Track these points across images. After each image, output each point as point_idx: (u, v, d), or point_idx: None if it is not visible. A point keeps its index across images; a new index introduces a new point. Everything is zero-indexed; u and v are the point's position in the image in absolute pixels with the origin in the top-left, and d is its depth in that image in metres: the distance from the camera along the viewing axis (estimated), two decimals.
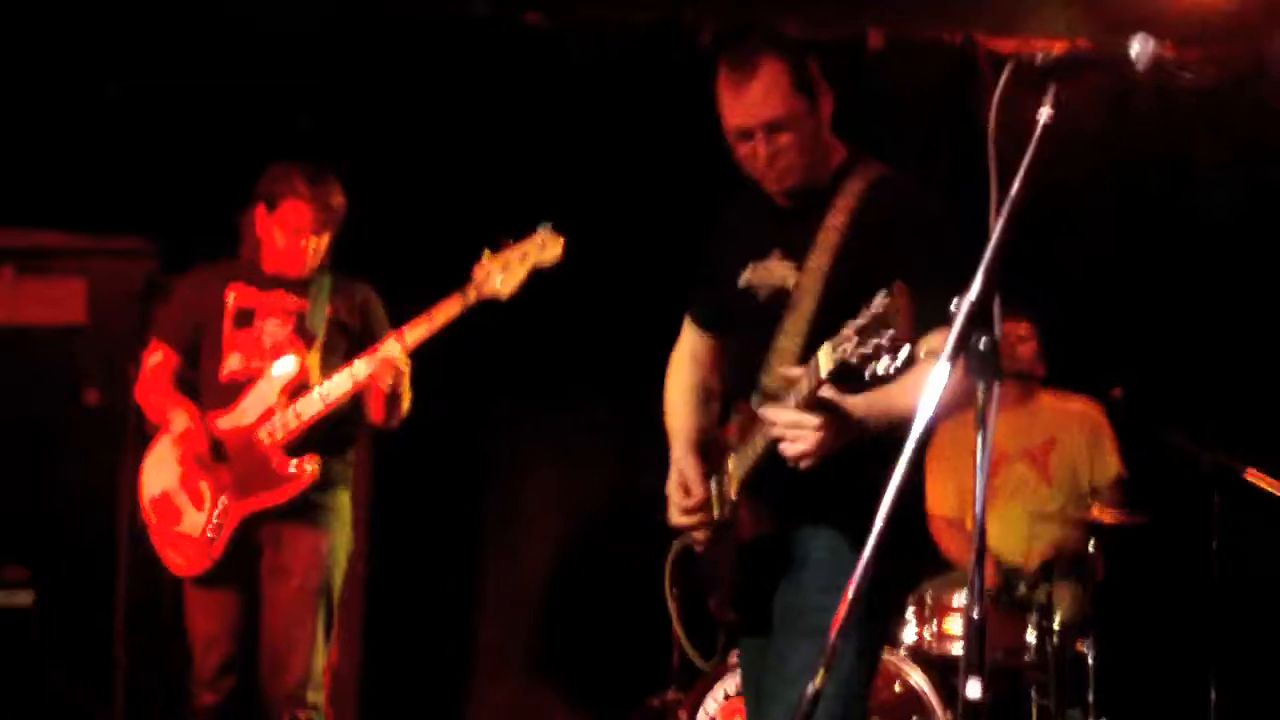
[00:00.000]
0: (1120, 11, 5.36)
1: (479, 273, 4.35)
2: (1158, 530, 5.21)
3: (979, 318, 2.35)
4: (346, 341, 4.55)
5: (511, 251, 4.35)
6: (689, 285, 3.58)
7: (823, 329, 2.83)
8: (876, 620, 3.20)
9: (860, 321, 2.59)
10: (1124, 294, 6.11)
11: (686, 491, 3.27)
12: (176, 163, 5.70)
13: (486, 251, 4.35)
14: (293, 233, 4.48)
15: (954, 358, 2.35)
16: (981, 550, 2.38)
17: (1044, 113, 2.44)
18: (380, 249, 5.25)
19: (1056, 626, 4.93)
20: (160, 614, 4.55)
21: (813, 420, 2.77)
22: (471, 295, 4.35)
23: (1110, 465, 5.47)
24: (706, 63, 6.17)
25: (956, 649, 4.92)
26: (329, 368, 4.46)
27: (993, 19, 6.01)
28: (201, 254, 4.74)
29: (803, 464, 2.85)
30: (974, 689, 2.33)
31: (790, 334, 3.10)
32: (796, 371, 2.85)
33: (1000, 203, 2.38)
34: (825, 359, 2.71)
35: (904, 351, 2.56)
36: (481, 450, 6.22)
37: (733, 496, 3.16)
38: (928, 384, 2.84)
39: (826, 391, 2.82)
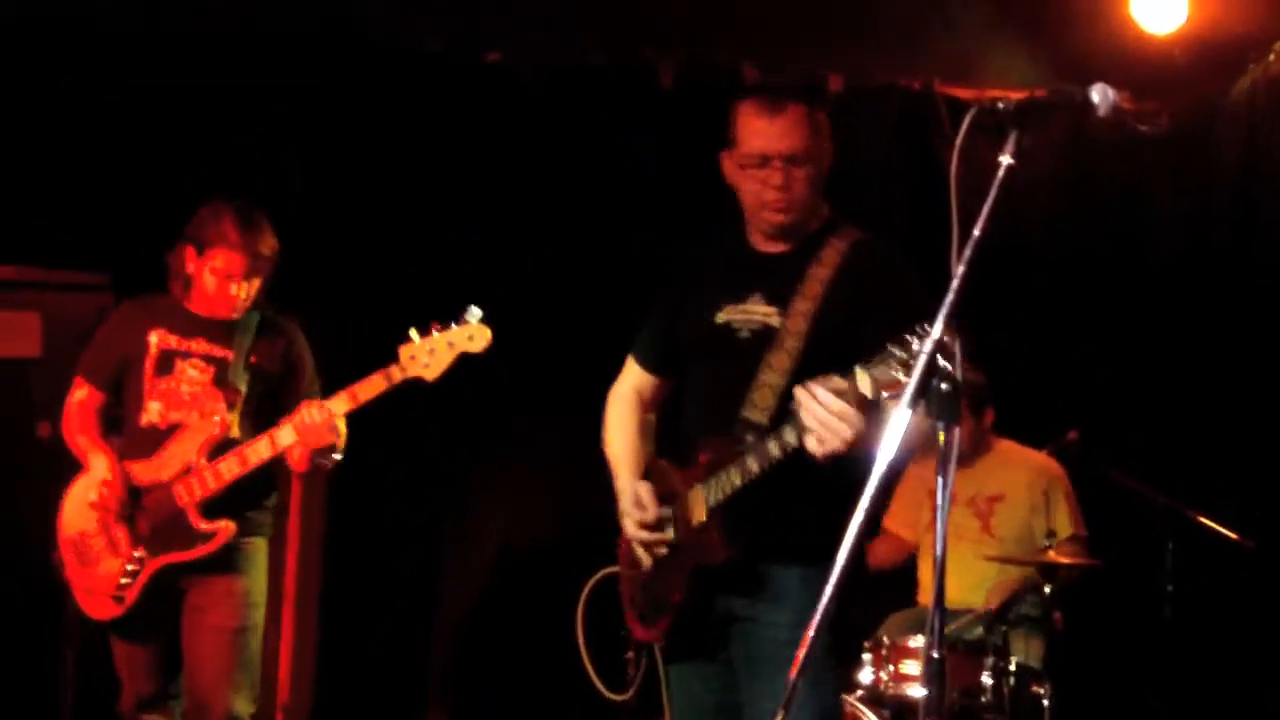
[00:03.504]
0: (1077, 61, 5.42)
1: (404, 353, 4.28)
2: (1112, 574, 5.23)
3: (940, 361, 2.38)
4: (266, 389, 4.51)
5: (439, 337, 4.27)
6: (639, 330, 3.70)
7: (807, 368, 3.08)
8: (840, 660, 3.39)
9: (903, 354, 2.75)
10: (1078, 338, 6.15)
11: (642, 508, 3.41)
12: (132, 197, 5.67)
13: (414, 332, 4.28)
14: (223, 279, 4.43)
15: (915, 402, 2.38)
16: (941, 591, 2.39)
17: (1005, 159, 2.48)
18: (315, 292, 5.25)
19: (1012, 669, 4.94)
20: (109, 651, 4.51)
21: (859, 418, 2.93)
22: (396, 375, 4.30)
23: (1064, 526, 5.36)
24: (667, 104, 6.25)
25: (913, 691, 4.93)
26: (249, 420, 4.44)
27: (952, 66, 6.07)
28: (156, 288, 4.70)
29: (823, 451, 2.97)
30: None
31: (775, 370, 3.27)
32: (840, 382, 2.96)
33: (961, 247, 2.41)
34: (865, 381, 2.87)
35: None
36: (433, 482, 6.20)
37: (702, 518, 3.28)
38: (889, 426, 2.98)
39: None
